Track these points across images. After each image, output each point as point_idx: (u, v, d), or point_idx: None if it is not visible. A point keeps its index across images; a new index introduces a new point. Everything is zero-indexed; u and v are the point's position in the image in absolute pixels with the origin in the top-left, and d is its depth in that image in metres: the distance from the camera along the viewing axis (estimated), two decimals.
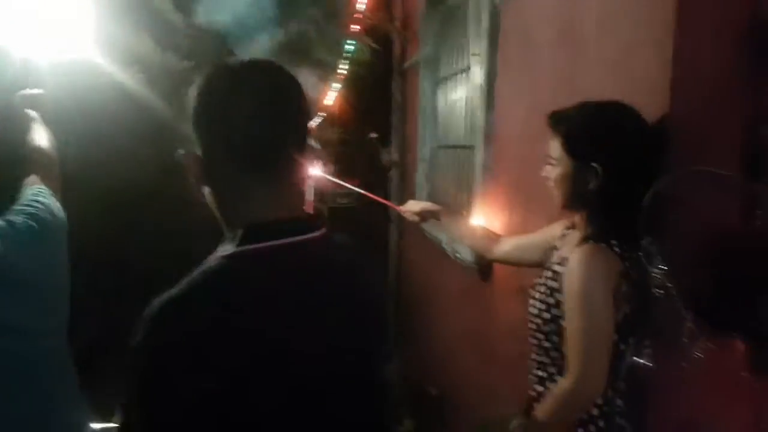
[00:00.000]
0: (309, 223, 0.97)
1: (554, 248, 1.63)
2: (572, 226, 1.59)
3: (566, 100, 1.93)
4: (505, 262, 1.96)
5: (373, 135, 4.96)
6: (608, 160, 1.38)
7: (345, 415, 0.94)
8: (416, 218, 2.09)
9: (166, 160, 2.83)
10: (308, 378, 0.89)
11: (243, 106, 0.92)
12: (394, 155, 5.14)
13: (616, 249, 1.37)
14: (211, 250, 0.97)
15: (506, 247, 1.88)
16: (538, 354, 1.51)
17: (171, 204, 2.67)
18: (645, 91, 1.53)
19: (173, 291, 0.86)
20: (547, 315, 1.45)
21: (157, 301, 0.86)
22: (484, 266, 2.73)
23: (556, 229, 1.69)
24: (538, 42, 2.30)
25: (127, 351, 0.85)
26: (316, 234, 0.97)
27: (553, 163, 1.49)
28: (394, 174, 5.15)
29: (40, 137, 1.65)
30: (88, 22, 1.99)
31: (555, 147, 1.48)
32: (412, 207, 2.10)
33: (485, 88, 2.70)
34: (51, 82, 1.83)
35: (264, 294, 0.88)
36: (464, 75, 3.34)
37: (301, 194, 1.01)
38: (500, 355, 2.60)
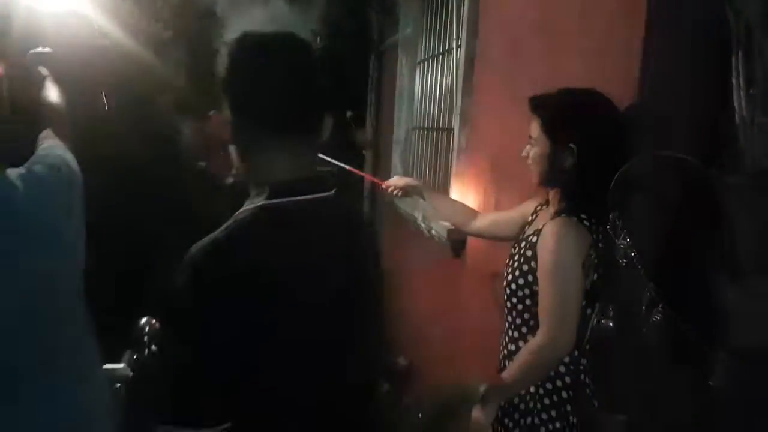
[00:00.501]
0: (322, 183, 1.10)
1: (528, 223, 1.78)
2: (545, 203, 1.74)
3: (543, 86, 2.08)
4: (483, 236, 2.10)
5: (349, 114, 5.05)
6: (582, 142, 1.52)
7: (341, 350, 1.10)
8: (400, 193, 2.21)
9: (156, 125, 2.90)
10: (319, 309, 1.05)
11: (276, 75, 1.04)
12: (369, 135, 5.24)
13: (586, 222, 1.53)
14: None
15: (485, 222, 2.02)
16: (511, 316, 1.65)
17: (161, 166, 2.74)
18: (616, 81, 1.68)
19: (212, 235, 1.01)
20: (521, 281, 1.60)
21: (199, 244, 1.00)
22: (456, 242, 2.88)
23: (530, 206, 1.84)
24: (517, 30, 2.44)
25: (173, 287, 0.98)
26: (329, 193, 1.10)
27: (532, 143, 1.63)
28: (367, 154, 5.25)
29: (53, 95, 1.70)
30: None
31: (535, 128, 1.62)
32: (396, 182, 2.22)
33: (465, 72, 2.82)
34: (52, 35, 1.89)
35: (288, 240, 1.03)
36: (443, 59, 3.46)
37: (316, 157, 1.14)
38: (469, 328, 2.76)
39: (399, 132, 4.30)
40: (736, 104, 1.52)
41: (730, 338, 1.42)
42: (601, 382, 1.58)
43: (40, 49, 1.82)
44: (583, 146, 1.52)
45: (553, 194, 1.64)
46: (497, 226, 1.95)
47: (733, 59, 1.54)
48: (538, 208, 1.77)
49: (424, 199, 2.21)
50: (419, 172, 4.00)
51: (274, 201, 1.04)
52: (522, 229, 1.82)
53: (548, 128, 1.58)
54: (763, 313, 1.43)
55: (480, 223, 2.03)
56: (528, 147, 1.65)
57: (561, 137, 1.56)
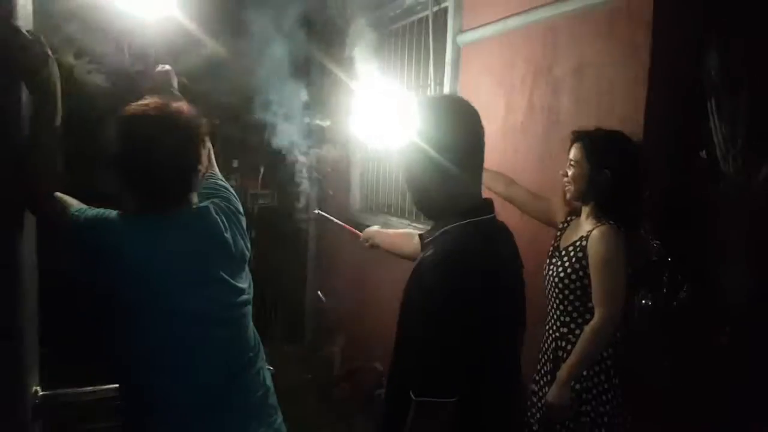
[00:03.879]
0: (490, 205, 1.46)
1: (560, 229, 2.26)
2: (573, 215, 2.23)
3: (522, 121, 2.60)
4: (512, 201, 2.45)
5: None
6: (615, 167, 2.03)
7: (520, 337, 1.48)
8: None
9: None
10: (517, 302, 1.44)
11: (464, 126, 1.39)
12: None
13: (622, 229, 2.03)
14: None
15: (519, 190, 2.44)
16: (563, 305, 2.11)
17: None
18: (618, 124, 2.20)
19: (444, 249, 1.31)
20: (574, 276, 2.07)
21: (435, 258, 1.31)
22: None
23: (558, 210, 2.31)
24: (492, 75, 2.97)
25: (419, 293, 1.30)
26: (494, 213, 1.47)
27: (573, 164, 2.10)
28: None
29: None
30: None
31: (577, 153, 2.09)
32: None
33: None
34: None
35: (494, 248, 1.39)
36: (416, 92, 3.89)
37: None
38: None
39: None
40: (715, 139, 2.11)
41: (730, 306, 1.99)
42: (635, 348, 2.09)
43: (161, 67, 1.94)
44: (616, 170, 2.03)
45: (589, 208, 2.13)
46: (531, 200, 2.40)
47: (708, 106, 2.13)
48: (569, 219, 2.26)
49: None
50: (386, 193, 4.41)
51: (475, 219, 1.37)
52: (543, 218, 2.35)
53: (589, 154, 2.07)
54: (744, 287, 2.02)
55: (515, 189, 2.44)
56: (570, 168, 2.11)
57: (599, 162, 2.05)
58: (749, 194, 2.02)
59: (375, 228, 2.34)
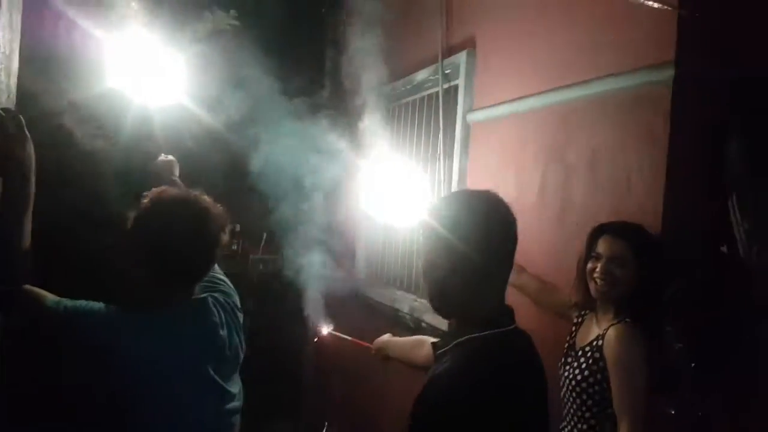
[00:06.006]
0: (512, 314, 1.36)
1: (575, 324, 2.13)
2: (585, 311, 2.11)
3: (534, 202, 2.52)
4: (523, 290, 2.37)
5: None
6: (653, 266, 1.93)
7: None
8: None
9: None
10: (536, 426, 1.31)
11: (498, 229, 1.30)
12: None
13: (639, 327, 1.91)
14: None
15: (531, 279, 2.35)
16: (581, 411, 1.97)
17: None
18: (636, 213, 2.11)
19: (461, 366, 1.22)
20: (591, 380, 1.93)
21: (449, 376, 1.21)
22: None
23: (571, 302, 2.19)
24: (502, 154, 2.92)
25: (430, 414, 1.19)
26: (515, 324, 1.37)
27: (616, 262, 1.96)
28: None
29: None
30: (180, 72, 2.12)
31: (622, 250, 1.95)
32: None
33: (459, 181, 3.23)
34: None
35: (516, 366, 1.28)
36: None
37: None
38: None
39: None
40: (736, 234, 2.01)
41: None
42: None
43: (164, 157, 1.93)
44: (653, 269, 1.92)
45: (607, 303, 2.01)
46: (544, 292, 2.34)
47: (730, 201, 2.04)
48: (583, 313, 2.13)
49: None
50: (394, 265, 4.30)
51: (495, 331, 1.27)
52: (554, 309, 2.26)
53: (640, 253, 1.94)
54: None
55: (526, 279, 2.36)
56: (612, 266, 1.97)
57: (648, 262, 1.93)
58: None
59: (386, 337, 2.24)
